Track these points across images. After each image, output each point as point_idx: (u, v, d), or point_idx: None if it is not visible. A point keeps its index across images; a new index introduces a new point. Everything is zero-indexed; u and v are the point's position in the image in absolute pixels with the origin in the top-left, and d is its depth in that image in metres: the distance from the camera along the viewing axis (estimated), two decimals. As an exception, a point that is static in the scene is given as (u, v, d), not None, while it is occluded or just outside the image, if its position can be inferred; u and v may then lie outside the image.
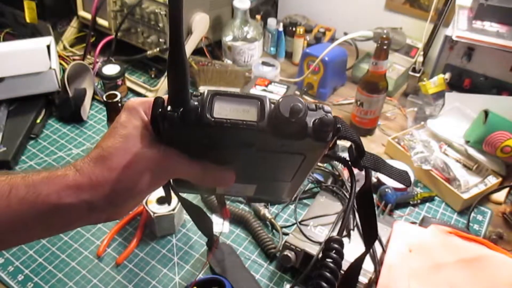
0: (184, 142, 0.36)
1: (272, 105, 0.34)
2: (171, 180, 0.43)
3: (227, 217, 0.88)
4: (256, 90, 1.12)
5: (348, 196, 0.84)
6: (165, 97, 0.35)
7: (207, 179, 0.39)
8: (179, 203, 0.83)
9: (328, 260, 0.46)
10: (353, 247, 0.76)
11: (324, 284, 0.45)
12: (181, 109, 0.34)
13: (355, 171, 0.44)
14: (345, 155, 0.44)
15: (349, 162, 0.45)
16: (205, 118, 0.33)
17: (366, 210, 0.46)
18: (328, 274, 0.45)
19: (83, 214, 0.36)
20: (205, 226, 0.58)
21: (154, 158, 0.36)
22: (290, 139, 0.35)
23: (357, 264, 0.48)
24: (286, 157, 0.39)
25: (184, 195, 0.51)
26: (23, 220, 0.35)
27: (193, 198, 0.92)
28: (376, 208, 0.90)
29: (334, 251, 0.46)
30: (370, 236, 0.48)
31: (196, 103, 0.34)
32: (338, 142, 0.40)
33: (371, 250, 0.75)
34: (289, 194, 0.48)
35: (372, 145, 1.09)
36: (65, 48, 1.35)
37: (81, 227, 0.41)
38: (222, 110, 0.34)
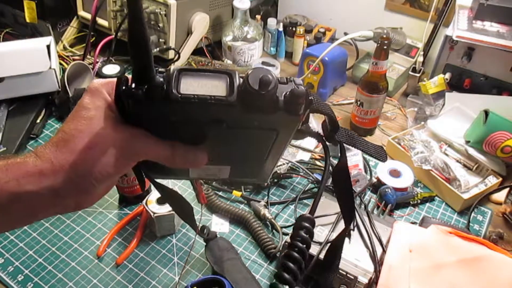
0: (151, 122, 0.35)
1: (242, 80, 0.33)
2: (144, 165, 0.42)
3: (204, 203, 0.86)
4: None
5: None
6: (130, 76, 0.34)
7: (178, 160, 0.37)
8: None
9: (297, 238, 0.46)
10: (353, 247, 0.76)
11: (291, 264, 0.45)
12: (146, 86, 0.32)
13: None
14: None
15: (323, 137, 0.44)
16: (171, 94, 0.32)
17: (343, 187, 0.46)
18: (295, 254, 0.45)
19: (48, 202, 0.34)
20: (184, 212, 0.56)
21: (119, 139, 0.34)
22: (261, 113, 0.34)
23: (337, 243, 0.48)
24: (259, 134, 0.37)
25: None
26: None
27: (192, 200, 0.92)
28: (376, 207, 0.90)
29: (304, 230, 0.46)
30: (348, 213, 0.48)
31: (162, 79, 0.33)
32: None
33: (371, 250, 0.75)
34: (265, 175, 0.47)
35: (372, 145, 1.09)
36: (65, 48, 1.35)
37: (50, 216, 0.38)
38: (189, 86, 0.33)
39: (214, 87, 0.33)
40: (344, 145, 0.44)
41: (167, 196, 0.52)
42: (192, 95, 0.32)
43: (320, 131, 0.44)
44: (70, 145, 0.33)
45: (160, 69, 0.34)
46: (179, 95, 0.32)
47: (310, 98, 0.35)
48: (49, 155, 0.33)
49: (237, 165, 0.44)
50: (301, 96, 0.33)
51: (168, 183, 0.90)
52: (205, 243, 0.79)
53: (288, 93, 0.34)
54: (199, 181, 0.60)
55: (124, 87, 0.33)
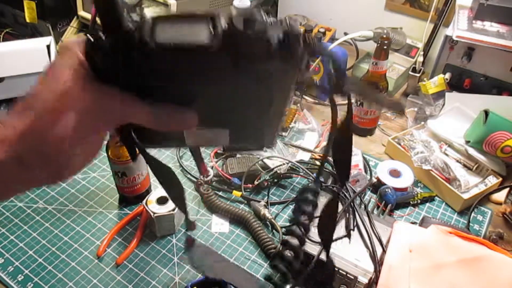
0: (126, 78, 0.31)
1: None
2: (132, 131, 0.38)
3: (205, 173, 0.84)
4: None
5: (348, 197, 0.84)
6: None
7: (163, 121, 0.33)
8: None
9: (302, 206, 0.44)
10: (353, 247, 0.76)
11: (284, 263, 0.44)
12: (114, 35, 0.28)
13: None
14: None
15: (330, 89, 0.37)
16: (143, 42, 0.28)
17: (342, 142, 0.41)
18: (287, 254, 0.44)
19: (14, 173, 0.31)
20: (176, 192, 0.50)
21: (89, 98, 0.30)
22: (252, 60, 0.29)
23: (331, 208, 0.44)
24: (252, 87, 0.32)
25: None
26: None
27: (193, 199, 0.92)
28: (376, 207, 0.90)
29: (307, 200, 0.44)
30: (343, 171, 0.44)
31: (133, 27, 0.28)
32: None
33: (371, 250, 0.75)
34: (269, 138, 0.42)
35: (372, 145, 1.09)
36: (65, 48, 1.35)
37: (24, 191, 0.35)
38: (166, 33, 0.28)
39: (196, 33, 0.28)
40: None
41: (158, 169, 0.47)
42: (168, 42, 0.28)
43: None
44: (34, 108, 0.30)
45: (134, 19, 0.29)
46: (154, 43, 0.28)
47: (307, 40, 0.30)
48: (12, 121, 0.30)
49: (236, 128, 0.39)
50: (296, 37, 0.29)
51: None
52: (185, 251, 0.77)
53: (281, 35, 0.29)
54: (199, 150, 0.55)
55: (91, 40, 0.29)
